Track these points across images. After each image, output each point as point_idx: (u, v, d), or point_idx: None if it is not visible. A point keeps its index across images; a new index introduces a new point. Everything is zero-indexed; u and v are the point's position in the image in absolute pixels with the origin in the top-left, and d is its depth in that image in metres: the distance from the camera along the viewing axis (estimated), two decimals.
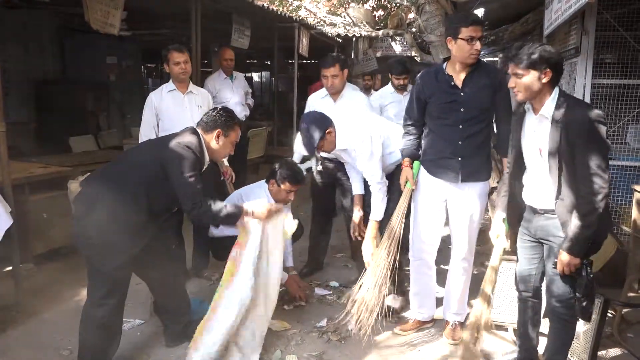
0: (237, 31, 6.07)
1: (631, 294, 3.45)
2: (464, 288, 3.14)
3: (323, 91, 3.96)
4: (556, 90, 2.33)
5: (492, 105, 2.89)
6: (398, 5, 11.23)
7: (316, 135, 3.12)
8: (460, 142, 2.87)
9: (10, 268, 3.49)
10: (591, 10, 3.52)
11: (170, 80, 3.84)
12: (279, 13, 6.88)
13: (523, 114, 2.50)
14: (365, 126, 3.27)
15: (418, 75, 3.07)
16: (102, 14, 3.88)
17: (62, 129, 6.86)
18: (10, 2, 5.24)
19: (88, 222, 2.45)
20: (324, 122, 3.18)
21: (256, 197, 3.23)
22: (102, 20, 3.90)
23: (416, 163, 3.08)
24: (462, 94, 2.85)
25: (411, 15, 9.18)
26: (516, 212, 2.66)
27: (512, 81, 2.36)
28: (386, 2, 11.73)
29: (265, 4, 6.94)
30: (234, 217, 2.66)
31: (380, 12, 12.25)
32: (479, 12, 8.10)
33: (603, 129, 2.19)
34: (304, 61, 8.70)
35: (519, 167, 2.56)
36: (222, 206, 2.60)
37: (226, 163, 3.91)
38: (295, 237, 3.50)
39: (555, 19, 4.07)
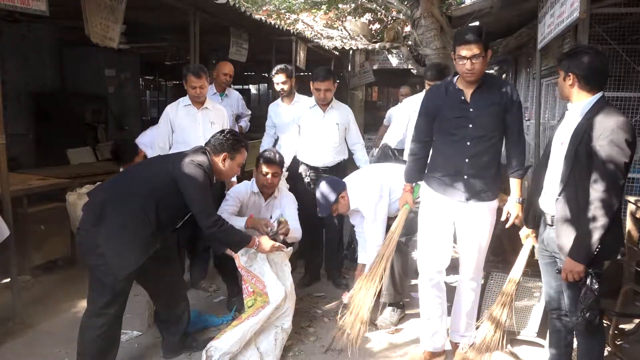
0: (235, 44, 6.13)
1: (626, 304, 3.48)
2: (473, 307, 3.03)
3: (311, 101, 4.03)
4: (597, 96, 2.33)
5: (502, 123, 2.78)
6: (394, 18, 11.35)
7: (331, 198, 3.40)
8: (467, 160, 2.77)
9: (8, 280, 3.49)
10: (583, 24, 3.57)
11: (187, 95, 3.95)
12: (276, 26, 6.95)
13: (563, 115, 2.56)
14: (373, 188, 3.43)
15: (427, 89, 3.00)
16: (102, 27, 3.92)
17: (60, 141, 6.88)
18: (11, 16, 5.28)
19: (96, 232, 2.48)
20: (337, 187, 3.43)
21: (237, 191, 3.51)
22: (101, 34, 3.94)
23: (416, 186, 3.09)
24: (471, 109, 2.75)
25: (407, 29, 9.28)
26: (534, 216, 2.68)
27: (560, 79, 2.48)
28: (382, 16, 11.83)
29: (263, 18, 7.01)
30: (243, 243, 2.89)
31: (377, 26, 12.35)
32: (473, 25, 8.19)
33: (625, 137, 2.17)
34: (301, 73, 8.76)
35: (543, 169, 2.57)
36: (237, 230, 2.86)
37: (234, 179, 3.91)
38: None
39: (548, 33, 4.14)
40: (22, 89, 7.06)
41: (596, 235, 2.20)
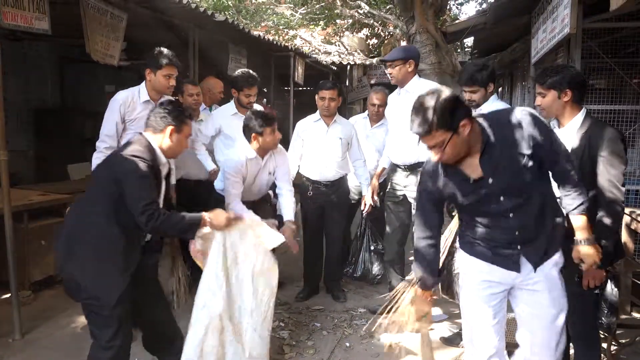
0: (234, 60, 6.21)
1: (623, 316, 3.49)
2: None
3: (316, 115, 4.08)
4: (584, 110, 2.45)
5: (538, 167, 2.06)
6: (391, 34, 11.49)
7: (402, 54, 3.48)
8: (517, 233, 2.10)
9: (8, 295, 3.51)
10: (575, 39, 3.65)
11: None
12: (274, 42, 7.06)
13: None
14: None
15: (421, 174, 2.29)
16: (103, 45, 4.00)
17: (61, 156, 6.93)
18: (13, 34, 5.36)
19: (71, 267, 2.38)
20: (413, 53, 3.58)
21: (235, 166, 3.29)
22: (102, 52, 4.01)
23: None
24: (490, 181, 2.04)
25: (404, 44, 9.40)
26: None
27: (537, 100, 2.50)
28: (380, 31, 11.98)
29: (261, 34, 7.10)
30: (193, 227, 2.53)
31: (374, 41, 12.51)
32: (469, 41, 8.31)
33: (622, 146, 2.34)
34: (300, 88, 8.85)
35: None
36: (180, 217, 2.48)
37: (213, 165, 4.01)
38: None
39: (541, 47, 4.21)
40: (23, 106, 7.14)
41: (611, 239, 2.32)
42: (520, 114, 2.03)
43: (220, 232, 2.63)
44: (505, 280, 2.17)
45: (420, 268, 2.31)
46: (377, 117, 4.47)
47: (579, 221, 2.15)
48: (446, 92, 1.94)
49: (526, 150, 1.99)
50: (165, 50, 3.29)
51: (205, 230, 2.60)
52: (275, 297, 2.79)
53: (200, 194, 3.94)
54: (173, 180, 3.71)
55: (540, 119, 2.04)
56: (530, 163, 2.01)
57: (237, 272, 2.68)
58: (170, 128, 2.52)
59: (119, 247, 2.40)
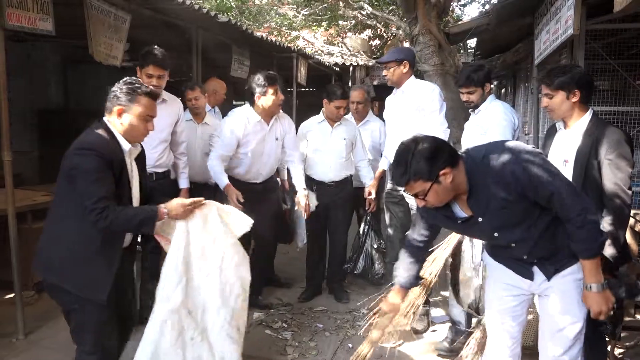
0: (237, 61, 6.22)
1: (627, 318, 3.49)
2: None
3: (320, 116, 4.10)
4: (590, 111, 2.43)
5: (534, 205, 1.93)
6: (394, 35, 11.50)
7: (399, 55, 3.51)
8: (526, 257, 2.06)
9: (11, 295, 3.52)
10: (579, 40, 3.64)
11: (188, 110, 4.16)
12: (277, 43, 7.06)
13: (553, 131, 2.59)
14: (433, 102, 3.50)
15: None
16: (106, 46, 4.01)
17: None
18: (17, 35, 5.38)
19: (53, 275, 2.26)
20: (408, 54, 3.59)
21: (232, 129, 3.40)
22: (105, 53, 4.02)
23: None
24: (479, 220, 1.98)
25: (406, 45, 9.41)
26: None
27: (544, 101, 2.48)
28: (382, 32, 11.99)
29: (264, 35, 7.12)
30: (149, 221, 2.28)
31: (377, 42, 12.51)
32: (472, 42, 8.31)
33: (629, 149, 2.32)
34: (302, 89, 8.86)
35: None
36: (133, 213, 2.25)
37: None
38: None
39: (544, 49, 4.20)
40: (26, 107, 7.16)
41: (617, 245, 2.28)
42: (503, 160, 1.88)
43: (182, 220, 2.38)
44: (520, 285, 2.13)
45: (402, 259, 2.33)
46: (359, 114, 4.55)
47: (584, 266, 1.96)
48: (426, 140, 1.86)
49: (511, 196, 1.88)
50: (153, 50, 3.30)
51: (163, 222, 2.36)
52: (247, 292, 2.53)
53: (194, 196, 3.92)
54: (184, 184, 3.71)
55: (523, 161, 1.87)
56: (520, 205, 1.90)
57: (200, 265, 2.41)
58: (117, 108, 2.27)
59: (95, 247, 2.22)
